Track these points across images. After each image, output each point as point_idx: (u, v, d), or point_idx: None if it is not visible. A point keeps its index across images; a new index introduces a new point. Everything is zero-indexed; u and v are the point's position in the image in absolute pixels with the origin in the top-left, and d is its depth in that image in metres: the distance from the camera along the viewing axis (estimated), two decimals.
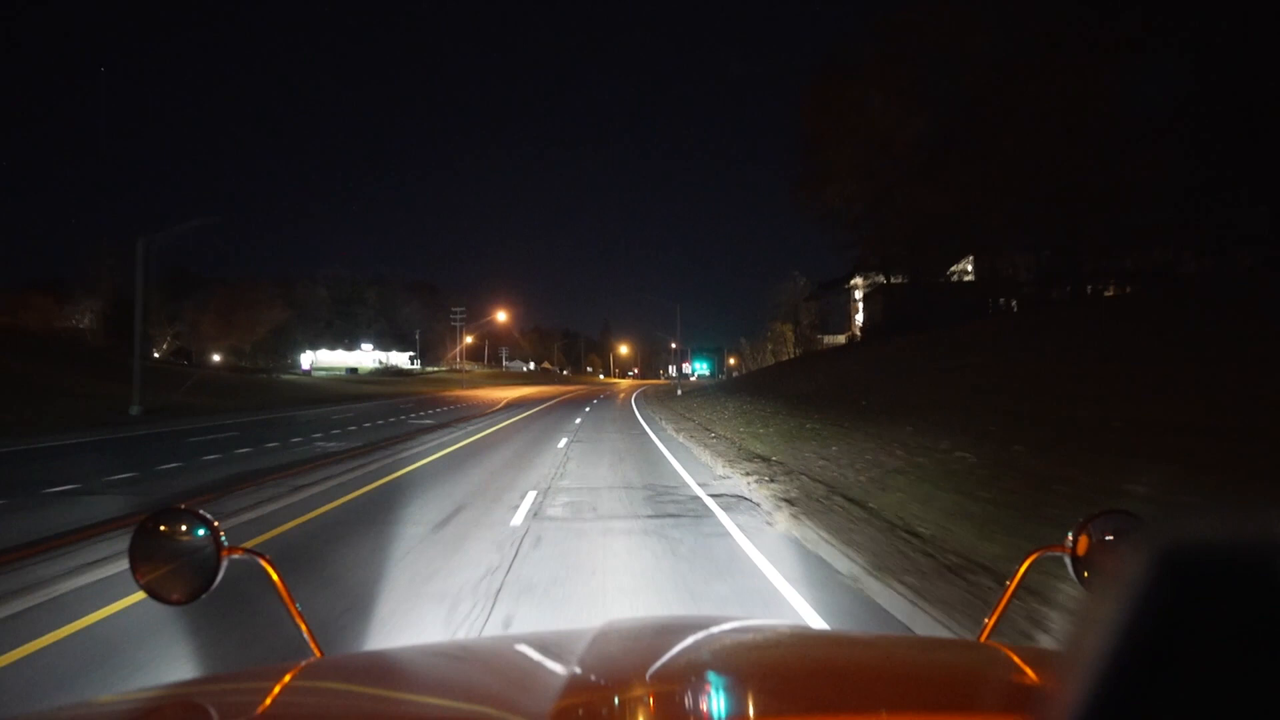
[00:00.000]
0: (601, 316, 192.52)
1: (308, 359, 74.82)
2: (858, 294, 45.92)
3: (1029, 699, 0.79)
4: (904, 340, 23.48)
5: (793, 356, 45.48)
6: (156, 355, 53.35)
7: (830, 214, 29.38)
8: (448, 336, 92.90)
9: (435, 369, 78.35)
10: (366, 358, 77.99)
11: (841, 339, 46.13)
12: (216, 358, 59.56)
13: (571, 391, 50.29)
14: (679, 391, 37.73)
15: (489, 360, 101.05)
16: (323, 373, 66.37)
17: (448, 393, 44.99)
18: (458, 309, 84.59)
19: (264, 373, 53.66)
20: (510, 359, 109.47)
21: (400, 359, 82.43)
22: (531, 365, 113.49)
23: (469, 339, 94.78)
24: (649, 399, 34.13)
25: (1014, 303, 30.80)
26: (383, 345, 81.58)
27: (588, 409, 26.69)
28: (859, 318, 44.76)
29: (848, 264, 39.06)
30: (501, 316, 55.73)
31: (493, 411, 25.48)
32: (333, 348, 77.22)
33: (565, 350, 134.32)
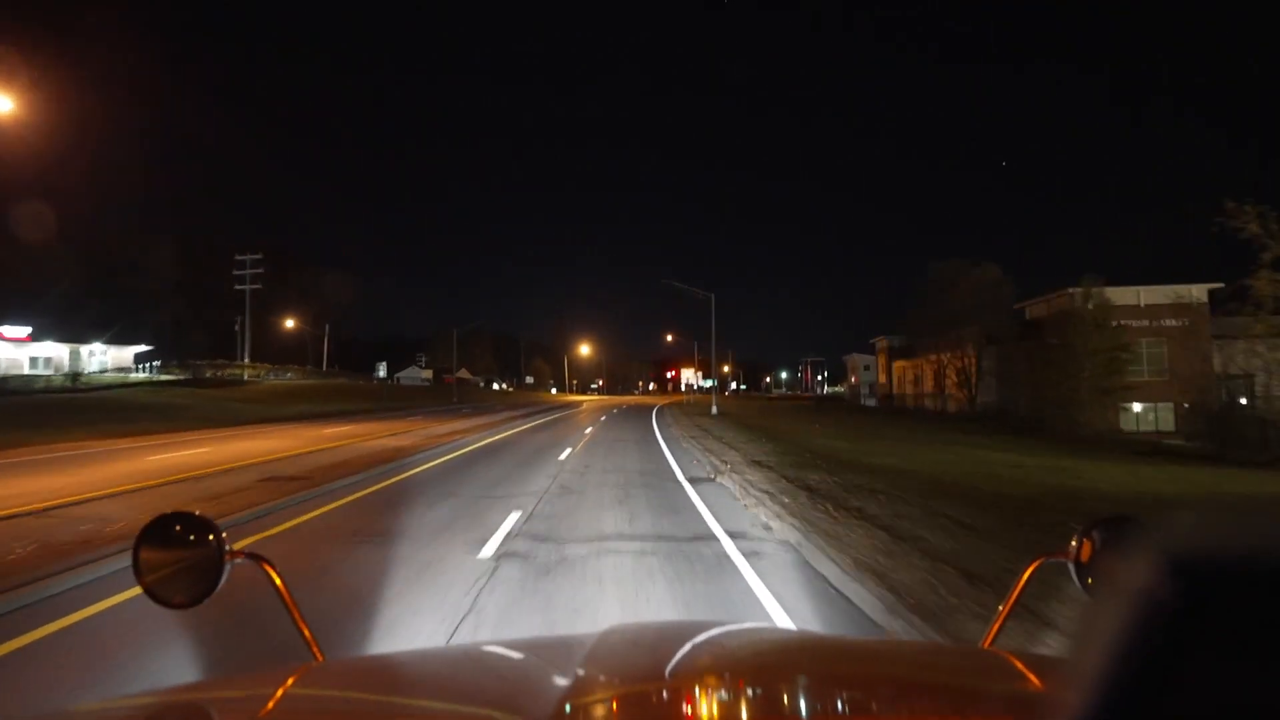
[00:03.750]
0: (556, 315, 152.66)
1: None
2: None
3: (1033, 706, 0.77)
4: None
5: None
6: None
7: None
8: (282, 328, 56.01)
9: (167, 376, 40.99)
10: (23, 352, 40.21)
11: None
12: None
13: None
14: None
15: (334, 361, 63.77)
16: None
17: None
18: (247, 257, 47.36)
19: None
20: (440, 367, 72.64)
21: (124, 356, 44.68)
22: (415, 373, 75.39)
23: (290, 322, 57.21)
24: None
25: None
26: (168, 335, 44.74)
27: None
28: None
29: None
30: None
31: None
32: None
33: (499, 353, 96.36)
